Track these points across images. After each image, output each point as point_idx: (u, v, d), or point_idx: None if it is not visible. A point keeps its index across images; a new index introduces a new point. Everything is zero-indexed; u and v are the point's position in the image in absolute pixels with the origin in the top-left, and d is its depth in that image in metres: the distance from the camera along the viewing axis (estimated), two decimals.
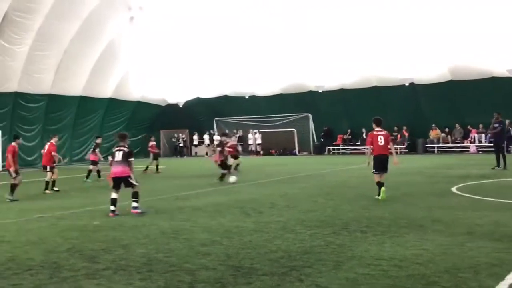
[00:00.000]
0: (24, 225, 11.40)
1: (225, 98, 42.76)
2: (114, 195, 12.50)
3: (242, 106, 41.86)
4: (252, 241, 8.86)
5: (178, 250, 8.37)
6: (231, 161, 21.34)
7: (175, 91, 43.47)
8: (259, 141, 42.11)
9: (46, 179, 18.56)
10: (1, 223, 11.69)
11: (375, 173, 13.69)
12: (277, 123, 39.13)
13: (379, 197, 13.41)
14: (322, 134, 40.62)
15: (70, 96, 35.89)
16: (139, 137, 43.10)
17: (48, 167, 18.60)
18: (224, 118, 43.64)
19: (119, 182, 12.65)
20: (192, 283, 6.51)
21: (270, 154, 41.15)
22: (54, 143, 19.42)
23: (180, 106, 44.70)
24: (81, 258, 8.08)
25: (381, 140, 13.58)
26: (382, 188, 13.47)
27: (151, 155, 27.36)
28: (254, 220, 10.99)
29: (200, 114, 44.61)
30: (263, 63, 38.59)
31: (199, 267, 7.27)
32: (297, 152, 40.34)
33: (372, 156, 13.71)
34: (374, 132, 13.79)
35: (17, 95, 32.78)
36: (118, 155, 12.71)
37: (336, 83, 38.49)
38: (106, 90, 38.41)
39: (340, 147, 40.25)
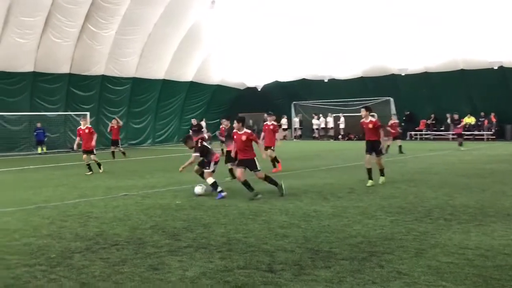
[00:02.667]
0: (110, 202, 11.92)
1: (304, 82, 42.47)
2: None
3: (320, 90, 41.42)
4: (330, 225, 8.78)
5: (257, 231, 8.44)
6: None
7: (254, 75, 43.68)
8: (332, 125, 41.63)
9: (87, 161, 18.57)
10: (90, 200, 12.29)
11: None
12: (357, 107, 38.33)
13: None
14: (403, 119, 39.47)
15: (153, 80, 36.99)
16: (217, 120, 43.77)
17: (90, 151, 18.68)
18: (302, 102, 43.40)
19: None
20: (270, 264, 6.54)
21: (349, 138, 40.56)
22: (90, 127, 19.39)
23: (259, 89, 44.89)
24: (164, 235, 8.33)
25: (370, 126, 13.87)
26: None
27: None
28: (333, 204, 10.89)
29: (278, 98, 44.60)
30: (343, 46, 37.92)
31: (277, 248, 7.30)
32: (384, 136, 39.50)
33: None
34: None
35: (104, 78, 34.19)
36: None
37: (419, 66, 37.23)
38: (187, 73, 39.22)
39: (423, 132, 38.99)
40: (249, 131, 12.47)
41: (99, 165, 18.82)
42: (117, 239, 8.14)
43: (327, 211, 10.08)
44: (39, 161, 24.85)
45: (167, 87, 38.10)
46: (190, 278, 6.07)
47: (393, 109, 38.61)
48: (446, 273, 6.05)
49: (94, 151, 18.85)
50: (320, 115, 42.60)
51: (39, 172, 19.73)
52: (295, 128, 43.90)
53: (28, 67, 30.22)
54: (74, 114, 32.64)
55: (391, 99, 38.96)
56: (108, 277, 6.18)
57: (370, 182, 13.53)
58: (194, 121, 24.96)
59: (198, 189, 12.57)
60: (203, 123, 41.34)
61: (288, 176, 16.57)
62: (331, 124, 41.97)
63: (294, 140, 41.91)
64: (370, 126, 13.84)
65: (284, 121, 43.86)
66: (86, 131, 18.69)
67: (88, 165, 18.44)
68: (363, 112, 14.00)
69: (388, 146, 24.53)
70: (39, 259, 7.03)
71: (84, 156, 18.65)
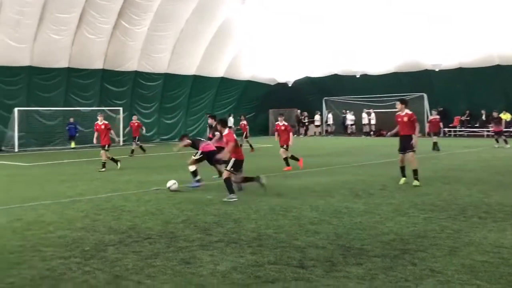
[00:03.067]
0: (143, 196, 12.08)
1: (335, 77, 42.13)
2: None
3: (352, 85, 41.02)
4: (362, 222, 8.71)
5: (287, 227, 8.43)
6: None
7: (284, 70, 43.54)
8: (366, 121, 41.08)
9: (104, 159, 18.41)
10: (123, 194, 12.47)
11: None
12: (390, 103, 37.84)
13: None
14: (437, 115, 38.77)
15: (184, 75, 37.21)
16: (248, 116, 43.80)
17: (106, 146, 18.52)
18: (334, 97, 43.08)
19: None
20: (301, 260, 6.53)
21: (381, 135, 40.10)
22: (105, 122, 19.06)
23: (289, 85, 44.75)
24: (196, 229, 8.40)
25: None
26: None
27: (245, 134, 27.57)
28: (364, 201, 10.80)
29: (309, 94, 44.36)
30: (376, 41, 37.46)
31: (308, 244, 7.28)
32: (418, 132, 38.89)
33: None
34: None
35: (136, 74, 34.58)
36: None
37: (454, 62, 36.51)
38: (218, 69, 39.34)
39: (457, 129, 38.30)
40: (227, 131, 12.15)
41: (115, 161, 18.46)
42: (149, 232, 8.24)
43: (359, 208, 10.00)
44: (73, 155, 25.31)
45: (198, 82, 38.29)
46: (221, 272, 6.11)
47: (426, 105, 38.04)
48: (481, 272, 5.95)
49: (106, 147, 18.47)
50: (347, 111, 42.19)
51: (74, 166, 20.10)
52: (328, 124, 43.48)
53: (63, 63, 30.76)
54: (108, 109, 33.11)
55: (425, 95, 38.36)
56: (141, 270, 6.26)
57: (403, 180, 13.26)
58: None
59: (170, 183, 12.72)
60: (231, 119, 41.51)
61: (320, 172, 16.53)
62: (365, 120, 41.41)
63: (329, 136, 41.47)
64: (405, 119, 13.35)
65: (317, 117, 43.53)
66: (103, 126, 18.58)
67: (105, 161, 18.18)
68: (398, 105, 13.65)
69: (435, 143, 24.12)
70: (73, 251, 7.16)
71: (102, 152, 18.48)
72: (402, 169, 13.39)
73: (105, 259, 6.74)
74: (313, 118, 44.09)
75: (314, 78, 43.31)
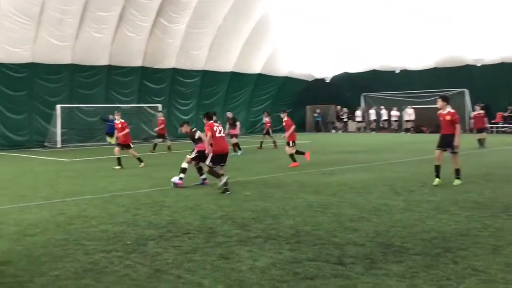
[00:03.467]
0: (182, 191, 12.21)
1: (374, 73, 41.60)
2: None
3: (391, 81, 40.43)
4: (402, 220, 8.60)
5: (326, 224, 8.40)
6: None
7: (322, 66, 43.26)
8: (409, 118, 40.33)
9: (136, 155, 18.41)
10: (162, 189, 12.64)
11: None
12: (429, 99, 37.13)
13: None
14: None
15: (222, 72, 37.41)
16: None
17: (129, 145, 18.44)
18: (372, 93, 42.55)
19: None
20: (340, 257, 6.49)
21: (421, 131, 39.41)
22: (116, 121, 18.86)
23: (327, 81, 44.45)
24: (234, 225, 8.45)
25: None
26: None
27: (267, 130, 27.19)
28: (404, 198, 10.65)
29: (347, 89, 43.94)
30: (415, 35, 36.83)
31: (347, 242, 7.24)
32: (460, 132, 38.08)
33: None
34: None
35: (174, 71, 34.95)
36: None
37: (496, 56, 35.60)
38: (255, 66, 39.39)
39: (499, 125, 37.33)
40: (209, 123, 12.62)
41: (139, 160, 18.19)
42: (188, 227, 8.34)
43: (399, 205, 9.87)
44: (113, 151, 25.74)
45: (236, 79, 38.44)
46: (260, 268, 6.13)
47: (468, 101, 37.22)
48: None
49: (131, 144, 18.47)
50: (382, 107, 41.60)
51: (114, 162, 20.43)
52: (369, 120, 42.84)
53: (104, 61, 31.33)
54: (147, 106, 33.59)
55: (466, 91, 37.53)
56: (181, 264, 6.34)
57: (436, 181, 12.39)
58: (229, 114, 24.95)
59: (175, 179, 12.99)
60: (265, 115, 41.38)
61: (358, 169, 16.38)
62: (407, 116, 40.62)
63: (372, 132, 40.82)
64: (448, 118, 12.55)
65: (358, 113, 42.96)
66: (120, 125, 18.52)
67: (119, 158, 18.05)
68: (439, 103, 12.81)
69: (482, 139, 23.56)
70: (115, 245, 7.31)
71: (116, 149, 18.37)
72: (438, 168, 12.56)
73: (146, 253, 6.86)
74: (353, 114, 43.55)
75: (352, 73, 42.88)
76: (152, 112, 33.59)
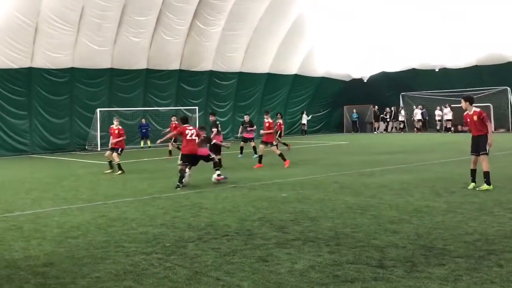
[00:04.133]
0: (220, 193, 12.26)
1: (413, 72, 40.88)
2: None
3: (431, 80, 39.65)
4: (444, 222, 8.41)
5: (366, 226, 8.28)
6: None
7: (359, 66, 42.81)
8: (449, 117, 39.44)
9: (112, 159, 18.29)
10: (201, 191, 12.72)
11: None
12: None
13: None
14: None
15: (258, 74, 37.46)
16: (323, 112, 43.52)
17: (118, 150, 18.24)
18: (411, 92, 41.86)
19: None
20: (381, 260, 6.39)
21: (461, 131, 38.51)
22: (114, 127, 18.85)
23: (365, 81, 43.98)
24: (272, 227, 8.42)
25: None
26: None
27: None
28: (446, 200, 10.42)
29: (385, 89, 43.35)
30: (455, 32, 36.04)
31: (388, 244, 7.12)
32: (492, 129, 37.13)
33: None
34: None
35: (211, 73, 35.19)
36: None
37: None
38: (291, 66, 39.30)
39: None
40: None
41: (118, 166, 17.78)
42: (227, 230, 8.35)
43: (440, 207, 9.66)
44: (152, 153, 26.11)
45: (272, 80, 38.43)
46: (299, 270, 6.08)
47: (510, 99, 36.25)
48: None
49: (120, 150, 18.28)
50: (419, 106, 40.81)
51: (152, 164, 20.73)
52: (413, 120, 41.88)
53: (142, 64, 31.80)
54: (184, 109, 33.93)
55: (509, 89, 36.56)
56: (220, 266, 6.35)
57: (472, 185, 11.91)
58: (246, 118, 24.61)
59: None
60: (304, 116, 41.28)
61: (398, 170, 16.13)
62: (449, 116, 39.74)
63: (418, 133, 39.89)
64: (475, 118, 11.95)
65: (403, 112, 42.06)
66: (116, 131, 18.45)
67: (110, 162, 18.29)
68: (463, 104, 12.24)
69: None
70: (155, 247, 7.38)
71: (108, 153, 18.57)
72: (473, 172, 12.10)
73: (185, 255, 6.89)
74: (397, 113, 42.78)
75: (390, 73, 42.26)
76: (189, 114, 33.88)
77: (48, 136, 29.30)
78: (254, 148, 22.72)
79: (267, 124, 19.14)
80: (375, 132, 42.79)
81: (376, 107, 43.44)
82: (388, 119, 43.28)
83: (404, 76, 41.37)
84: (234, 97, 37.05)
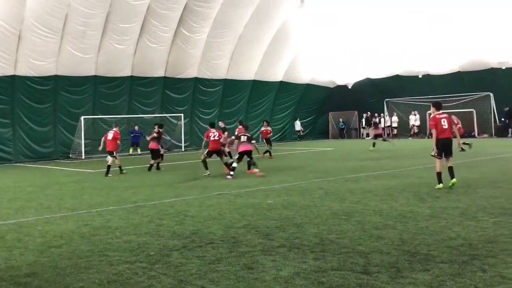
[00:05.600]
0: (205, 201, 12.22)
1: (397, 78, 41.23)
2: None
3: (415, 86, 40.00)
4: (428, 227, 8.46)
5: (351, 232, 8.30)
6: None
7: (344, 73, 43.07)
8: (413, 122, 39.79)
9: (109, 163, 19.70)
10: (186, 199, 12.67)
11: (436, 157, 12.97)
12: (454, 103, 36.71)
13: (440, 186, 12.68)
14: (504, 115, 37.31)
15: (243, 81, 37.52)
16: (308, 119, 43.67)
17: (114, 153, 20.13)
18: (395, 99, 42.18)
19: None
20: (365, 266, 6.40)
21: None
22: (118, 131, 20.83)
23: (349, 87, 44.24)
24: (257, 234, 8.41)
25: (444, 123, 12.96)
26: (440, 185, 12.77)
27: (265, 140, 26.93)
28: (430, 205, 10.49)
29: (369, 95, 43.63)
30: (438, 39, 36.42)
31: (372, 250, 7.14)
32: (476, 134, 37.66)
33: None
34: (437, 116, 13.11)
35: (196, 80, 35.16)
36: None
37: None
38: (277, 73, 39.43)
39: None
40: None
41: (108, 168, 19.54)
42: (212, 237, 8.32)
43: (424, 212, 9.72)
44: (136, 162, 25.97)
45: (257, 87, 38.51)
46: (284, 278, 6.07)
47: (493, 105, 36.69)
48: None
49: (114, 153, 20.22)
50: (394, 113, 41.15)
51: (137, 173, 20.62)
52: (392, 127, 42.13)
53: (126, 72, 31.67)
54: (169, 116, 33.83)
55: (491, 94, 37.00)
56: (205, 275, 6.32)
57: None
58: (222, 124, 24.78)
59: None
60: (297, 122, 41.49)
61: (382, 176, 16.22)
62: (412, 121, 40.03)
63: (409, 138, 39.91)
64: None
65: (394, 118, 42.18)
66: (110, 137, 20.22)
67: (119, 166, 20.11)
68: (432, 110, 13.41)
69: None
70: (139, 256, 7.32)
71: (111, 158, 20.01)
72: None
73: (170, 264, 6.85)
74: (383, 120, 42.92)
75: (374, 79, 42.58)
76: (175, 121, 33.81)
77: (31, 144, 29.04)
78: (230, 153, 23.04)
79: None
80: (367, 138, 42.89)
81: (369, 113, 43.33)
82: (382, 126, 43.14)
83: (388, 82, 41.71)
84: (219, 104, 37.04)
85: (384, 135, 42.40)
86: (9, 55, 26.77)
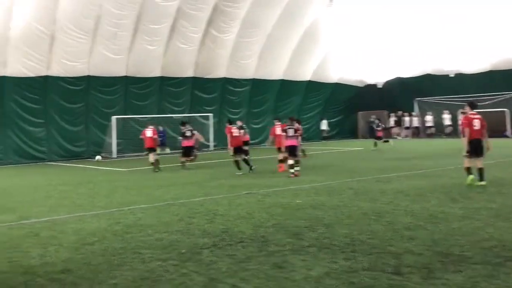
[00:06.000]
0: (234, 200, 12.28)
1: (427, 77, 40.63)
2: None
3: (446, 85, 39.34)
4: (461, 228, 8.35)
5: (381, 233, 8.24)
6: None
7: (374, 72, 42.65)
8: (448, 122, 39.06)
9: (152, 160, 21.27)
10: (215, 198, 12.75)
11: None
12: (486, 102, 35.97)
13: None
14: None
15: (272, 80, 37.47)
16: (336, 119, 43.39)
17: (155, 149, 21.87)
18: (426, 98, 41.57)
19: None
20: (397, 267, 6.36)
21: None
22: (155, 129, 22.68)
23: (379, 86, 43.78)
24: (286, 234, 8.42)
25: (476, 124, 12.98)
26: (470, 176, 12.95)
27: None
28: (462, 205, 10.34)
29: (399, 95, 43.10)
30: (470, 38, 35.79)
31: (404, 251, 7.08)
32: (509, 134, 36.86)
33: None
34: (470, 116, 13.15)
35: (225, 80, 35.29)
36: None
37: None
38: (305, 73, 39.26)
39: None
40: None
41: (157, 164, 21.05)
42: (241, 236, 8.36)
43: (456, 213, 9.59)
44: (167, 160, 26.19)
45: (286, 87, 38.39)
46: (314, 277, 6.07)
47: None
48: None
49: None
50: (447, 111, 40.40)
51: (167, 172, 20.82)
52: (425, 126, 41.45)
53: (156, 72, 31.96)
54: (198, 116, 34.05)
55: None
56: (235, 273, 6.36)
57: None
58: (239, 122, 24.88)
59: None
60: (324, 122, 41.27)
61: (413, 176, 16.03)
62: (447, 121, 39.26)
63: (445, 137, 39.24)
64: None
65: (429, 117, 41.52)
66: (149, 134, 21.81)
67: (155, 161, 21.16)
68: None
69: None
70: (170, 254, 7.41)
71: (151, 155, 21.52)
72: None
73: (201, 262, 6.92)
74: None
75: (405, 78, 42.03)
76: (204, 121, 34.01)
77: (64, 143, 29.55)
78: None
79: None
80: (399, 138, 42.45)
81: (402, 112, 42.78)
82: (417, 125, 42.50)
83: (419, 82, 41.09)
84: (247, 104, 37.10)
85: (411, 135, 41.96)
86: (43, 56, 27.29)
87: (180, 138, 22.50)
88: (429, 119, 41.30)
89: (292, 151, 17.24)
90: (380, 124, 31.18)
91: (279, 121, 20.42)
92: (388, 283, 5.78)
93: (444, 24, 36.06)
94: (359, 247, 7.39)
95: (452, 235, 7.86)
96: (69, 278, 6.46)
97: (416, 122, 41.94)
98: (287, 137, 17.48)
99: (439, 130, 40.82)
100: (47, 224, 10.15)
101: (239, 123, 22.66)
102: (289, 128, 17.62)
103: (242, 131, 20.29)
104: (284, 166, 18.46)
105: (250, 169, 18.64)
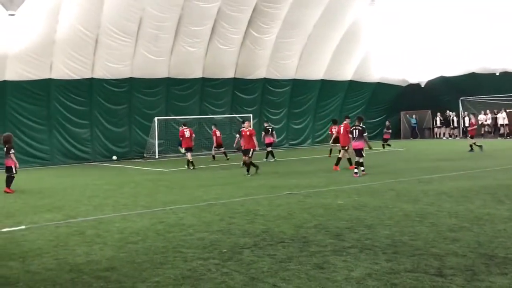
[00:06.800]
0: (274, 200, 12.31)
1: (472, 76, 39.66)
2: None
3: (491, 84, 38.35)
4: (506, 230, 8.14)
5: (424, 234, 8.12)
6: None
7: (416, 71, 41.89)
8: (506, 121, 37.91)
9: (190, 159, 22.58)
10: (255, 198, 12.80)
11: None
12: None
13: None
14: None
15: (312, 80, 37.32)
16: (378, 119, 42.86)
17: (192, 149, 23.26)
18: (471, 97, 40.62)
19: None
20: (440, 269, 6.25)
21: None
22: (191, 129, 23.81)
23: (422, 86, 42.99)
24: (328, 234, 8.38)
25: None
26: None
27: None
28: (508, 207, 10.08)
29: (443, 94, 42.24)
30: None
31: (447, 252, 6.95)
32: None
33: None
34: None
35: (265, 81, 35.36)
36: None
37: None
38: (346, 72, 38.94)
39: None
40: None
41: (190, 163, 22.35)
42: (282, 236, 8.38)
43: (502, 215, 9.35)
44: (206, 161, 26.46)
45: (326, 87, 38.18)
46: (356, 278, 6.03)
47: None
48: None
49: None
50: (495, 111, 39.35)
51: (208, 172, 21.03)
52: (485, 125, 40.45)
53: (197, 74, 32.31)
54: (239, 116, 34.23)
55: None
56: (276, 273, 6.38)
57: None
58: (266, 124, 25.42)
59: None
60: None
61: (457, 177, 15.71)
62: (500, 120, 38.23)
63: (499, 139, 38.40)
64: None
65: (482, 117, 40.62)
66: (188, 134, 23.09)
67: (189, 161, 22.48)
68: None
69: None
70: (212, 253, 7.49)
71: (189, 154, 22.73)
72: None
73: (241, 261, 6.97)
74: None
75: (449, 77, 41.14)
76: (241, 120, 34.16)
77: (108, 144, 30.21)
78: (271, 152, 25.47)
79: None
80: (444, 138, 41.64)
81: (449, 112, 41.93)
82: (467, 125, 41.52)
83: (463, 81, 40.16)
84: (288, 104, 37.08)
85: (456, 135, 41.04)
86: (87, 58, 27.97)
87: (238, 136, 23.67)
88: (481, 118, 40.14)
89: (358, 152, 17.17)
90: (390, 126, 31.32)
91: (349, 119, 20.19)
92: (431, 284, 5.69)
93: (490, 21, 35.09)
94: (401, 248, 7.30)
95: (497, 237, 7.67)
96: (114, 275, 6.61)
97: (466, 121, 40.93)
98: (354, 138, 17.35)
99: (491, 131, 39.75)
100: (92, 222, 10.41)
101: (246, 124, 21.49)
102: (355, 129, 17.37)
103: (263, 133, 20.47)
104: (338, 166, 19.09)
105: (256, 169, 18.91)
